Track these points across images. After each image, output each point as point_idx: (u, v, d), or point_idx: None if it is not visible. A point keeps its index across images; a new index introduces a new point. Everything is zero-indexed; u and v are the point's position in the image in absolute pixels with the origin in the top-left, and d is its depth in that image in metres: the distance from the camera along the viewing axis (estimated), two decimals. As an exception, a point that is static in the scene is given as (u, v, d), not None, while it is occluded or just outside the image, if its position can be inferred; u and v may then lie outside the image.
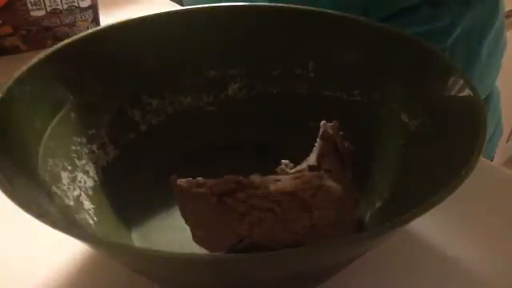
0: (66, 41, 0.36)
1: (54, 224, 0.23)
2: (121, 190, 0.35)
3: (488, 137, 0.49)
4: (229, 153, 0.38)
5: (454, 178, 0.25)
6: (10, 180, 0.25)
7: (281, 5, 0.41)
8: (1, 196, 0.24)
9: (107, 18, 0.56)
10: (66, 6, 0.56)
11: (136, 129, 0.39)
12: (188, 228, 0.30)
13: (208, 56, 0.41)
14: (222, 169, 0.33)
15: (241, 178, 0.29)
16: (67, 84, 0.34)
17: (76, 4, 0.57)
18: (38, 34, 0.56)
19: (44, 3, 0.55)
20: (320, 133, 0.34)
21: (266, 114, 0.41)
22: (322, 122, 0.34)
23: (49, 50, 0.35)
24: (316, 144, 0.34)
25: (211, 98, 0.42)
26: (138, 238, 0.34)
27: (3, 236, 0.36)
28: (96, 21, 0.60)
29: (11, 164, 0.27)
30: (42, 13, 0.55)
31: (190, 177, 0.33)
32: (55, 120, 0.33)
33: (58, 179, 0.31)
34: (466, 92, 0.31)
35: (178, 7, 0.66)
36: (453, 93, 0.32)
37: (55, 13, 0.56)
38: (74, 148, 0.34)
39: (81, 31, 0.38)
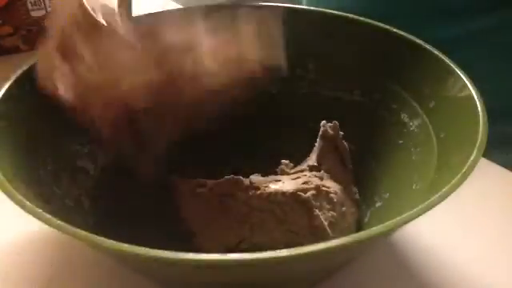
0: (66, 41, 0.36)
1: (54, 224, 0.23)
2: (121, 190, 0.35)
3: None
4: (229, 153, 0.38)
5: (454, 178, 0.25)
6: (10, 180, 0.25)
7: (281, 5, 0.41)
8: (1, 196, 0.24)
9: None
10: (66, 6, 0.56)
11: (136, 129, 0.39)
12: (187, 228, 0.30)
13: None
14: (222, 169, 0.34)
15: (241, 178, 0.29)
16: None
17: (76, 4, 0.57)
18: (38, 34, 0.56)
19: (44, 3, 0.55)
20: (320, 133, 0.34)
21: (266, 113, 0.41)
22: (323, 122, 0.34)
23: (49, 50, 0.35)
24: (316, 144, 0.34)
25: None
26: (139, 238, 0.34)
27: (3, 236, 0.36)
28: (96, 21, 0.60)
29: (11, 164, 0.27)
30: (41, 13, 0.55)
31: (189, 177, 0.33)
32: (55, 120, 0.33)
33: (58, 179, 0.31)
34: (466, 92, 0.31)
35: (178, 7, 0.66)
36: (453, 93, 0.32)
37: (55, 13, 0.56)
38: (74, 148, 0.34)
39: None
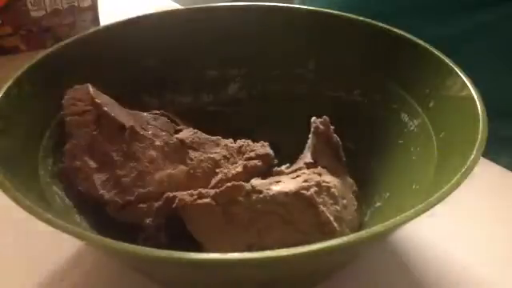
0: (66, 41, 0.36)
1: (55, 223, 0.23)
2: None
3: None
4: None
5: (454, 178, 0.25)
6: (10, 180, 0.25)
7: (281, 4, 0.41)
8: (1, 196, 0.24)
9: (107, 18, 0.56)
10: (66, 6, 0.57)
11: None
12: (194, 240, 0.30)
13: (208, 56, 0.41)
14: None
15: (242, 183, 0.29)
16: (67, 84, 0.34)
17: (76, 4, 0.57)
18: (37, 34, 0.56)
19: (44, 3, 0.55)
20: (312, 129, 0.34)
21: (266, 113, 0.41)
22: (313, 119, 0.34)
23: (48, 50, 0.35)
24: (309, 141, 0.34)
25: (211, 97, 0.42)
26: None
27: (3, 236, 0.36)
28: (96, 21, 0.60)
29: (11, 164, 0.27)
30: (41, 13, 0.55)
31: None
32: (55, 120, 0.33)
33: (58, 179, 0.31)
34: (466, 92, 0.31)
35: (178, 7, 0.66)
36: (453, 93, 0.32)
37: (55, 13, 0.56)
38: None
39: (81, 31, 0.38)
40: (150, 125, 0.35)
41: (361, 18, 0.38)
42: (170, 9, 0.43)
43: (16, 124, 0.31)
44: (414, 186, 0.31)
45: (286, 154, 0.35)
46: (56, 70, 0.35)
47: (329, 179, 0.31)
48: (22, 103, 0.32)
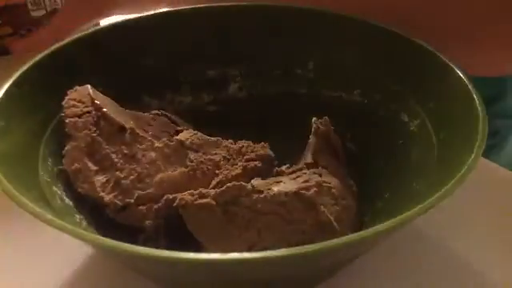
0: (66, 41, 0.36)
1: (55, 223, 0.23)
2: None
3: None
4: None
5: (454, 178, 0.25)
6: (10, 180, 0.25)
7: (281, 4, 0.41)
8: (1, 196, 0.24)
9: (107, 18, 0.56)
10: (66, 6, 0.56)
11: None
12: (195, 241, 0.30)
13: (208, 56, 0.41)
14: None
15: (243, 183, 0.29)
16: (67, 84, 0.34)
17: (76, 4, 0.57)
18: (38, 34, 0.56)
19: (44, 3, 0.55)
20: (312, 130, 0.34)
21: (266, 113, 0.41)
22: (314, 119, 0.34)
23: (48, 51, 0.35)
24: (309, 141, 0.34)
25: (211, 97, 0.42)
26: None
27: (3, 235, 0.36)
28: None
29: (11, 164, 0.27)
30: (41, 13, 0.55)
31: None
32: (55, 120, 0.33)
33: (58, 179, 0.31)
34: (466, 92, 0.31)
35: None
36: (453, 93, 0.32)
37: (55, 13, 0.56)
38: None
39: (80, 31, 0.38)
40: (150, 126, 0.35)
41: (361, 18, 0.38)
42: (169, 9, 0.43)
43: (16, 124, 0.31)
44: (414, 186, 0.31)
45: (286, 154, 0.35)
46: (56, 70, 0.35)
47: (329, 179, 0.31)
48: (22, 103, 0.32)
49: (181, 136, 0.34)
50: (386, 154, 0.36)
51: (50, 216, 0.23)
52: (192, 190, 0.30)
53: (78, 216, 0.30)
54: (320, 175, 0.32)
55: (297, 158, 0.35)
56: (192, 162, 0.32)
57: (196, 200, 0.29)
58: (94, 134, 0.32)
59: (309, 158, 0.33)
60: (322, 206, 0.29)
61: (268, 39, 0.41)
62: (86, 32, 0.38)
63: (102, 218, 0.31)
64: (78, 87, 0.34)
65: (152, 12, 0.40)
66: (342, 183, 0.32)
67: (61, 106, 0.33)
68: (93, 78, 0.35)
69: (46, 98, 0.33)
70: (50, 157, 0.32)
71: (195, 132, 0.35)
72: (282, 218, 0.29)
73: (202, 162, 0.33)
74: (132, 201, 0.31)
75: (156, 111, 0.37)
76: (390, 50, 0.37)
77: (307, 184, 0.30)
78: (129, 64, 0.39)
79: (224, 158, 0.33)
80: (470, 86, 0.31)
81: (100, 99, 0.34)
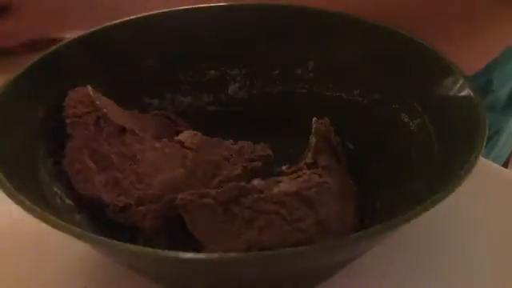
0: (66, 41, 0.36)
1: (55, 223, 0.23)
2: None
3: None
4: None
5: (454, 178, 0.25)
6: (10, 180, 0.25)
7: (281, 4, 0.41)
8: (1, 196, 0.24)
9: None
10: (66, 6, 0.56)
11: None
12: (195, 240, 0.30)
13: (208, 56, 0.41)
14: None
15: (243, 183, 0.29)
16: (67, 84, 0.34)
17: (76, 4, 0.57)
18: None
19: (44, 3, 0.55)
20: (313, 130, 0.34)
21: (266, 113, 0.41)
22: (314, 119, 0.34)
23: (48, 51, 0.35)
24: (309, 141, 0.34)
25: (211, 97, 0.42)
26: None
27: (3, 235, 0.36)
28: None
29: (11, 164, 0.27)
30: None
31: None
32: (55, 120, 0.33)
33: (58, 179, 0.31)
34: (466, 92, 0.31)
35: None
36: (453, 93, 0.32)
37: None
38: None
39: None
40: (150, 126, 0.35)
41: (361, 18, 0.38)
42: (169, 9, 0.43)
43: (16, 124, 0.31)
44: (413, 186, 0.31)
45: (286, 154, 0.35)
46: (56, 70, 0.35)
47: (329, 179, 0.31)
48: (21, 103, 0.32)
49: (181, 136, 0.34)
50: (386, 154, 0.36)
51: (49, 216, 0.23)
52: (192, 190, 0.30)
53: (77, 216, 0.30)
54: (320, 175, 0.32)
55: (297, 158, 0.35)
56: (192, 162, 0.33)
57: (196, 200, 0.29)
58: (95, 135, 0.32)
59: (309, 158, 0.33)
60: (321, 206, 0.29)
61: (268, 39, 0.41)
62: (86, 32, 0.38)
63: (101, 217, 0.31)
64: (78, 88, 0.34)
65: (152, 12, 0.40)
66: (342, 183, 0.32)
67: (61, 107, 0.33)
68: (93, 79, 0.35)
69: (46, 98, 0.33)
70: (49, 157, 0.32)
71: (195, 132, 0.35)
72: (281, 217, 0.29)
73: (201, 162, 0.33)
74: (132, 201, 0.31)
75: (156, 111, 0.37)
76: (390, 49, 0.37)
77: (307, 184, 0.30)
78: (129, 64, 0.39)
79: (224, 158, 0.33)
80: (470, 86, 0.31)
81: (100, 100, 0.34)
